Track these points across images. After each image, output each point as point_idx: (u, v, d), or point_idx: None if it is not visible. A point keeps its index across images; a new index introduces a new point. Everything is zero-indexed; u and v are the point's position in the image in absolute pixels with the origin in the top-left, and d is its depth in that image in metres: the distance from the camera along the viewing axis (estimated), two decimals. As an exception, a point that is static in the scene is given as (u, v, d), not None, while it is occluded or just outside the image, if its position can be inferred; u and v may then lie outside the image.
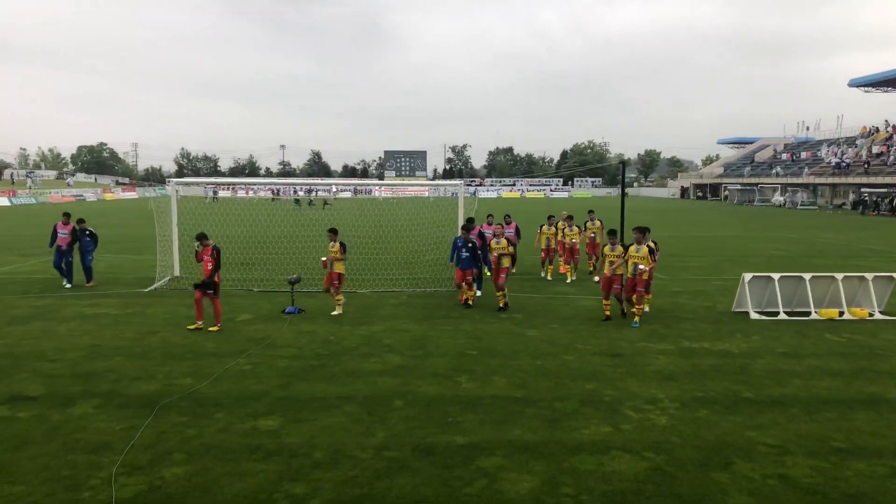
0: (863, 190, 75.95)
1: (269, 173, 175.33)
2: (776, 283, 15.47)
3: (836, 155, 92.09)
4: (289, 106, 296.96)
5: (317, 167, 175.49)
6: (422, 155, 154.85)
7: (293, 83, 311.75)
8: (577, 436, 8.24)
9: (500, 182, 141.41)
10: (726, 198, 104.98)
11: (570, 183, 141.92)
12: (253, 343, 12.73)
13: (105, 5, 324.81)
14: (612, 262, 14.61)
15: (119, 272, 22.22)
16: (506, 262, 15.91)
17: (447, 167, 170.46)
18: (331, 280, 15.29)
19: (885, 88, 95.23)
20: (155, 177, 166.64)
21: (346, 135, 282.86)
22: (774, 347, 12.63)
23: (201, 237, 14.02)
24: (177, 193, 21.11)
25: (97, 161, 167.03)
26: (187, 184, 34.86)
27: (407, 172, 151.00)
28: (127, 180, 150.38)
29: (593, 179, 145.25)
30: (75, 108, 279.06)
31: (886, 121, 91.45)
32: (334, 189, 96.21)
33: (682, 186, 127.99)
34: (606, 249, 14.90)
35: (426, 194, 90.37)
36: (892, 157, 78.54)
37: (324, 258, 15.37)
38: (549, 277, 20.73)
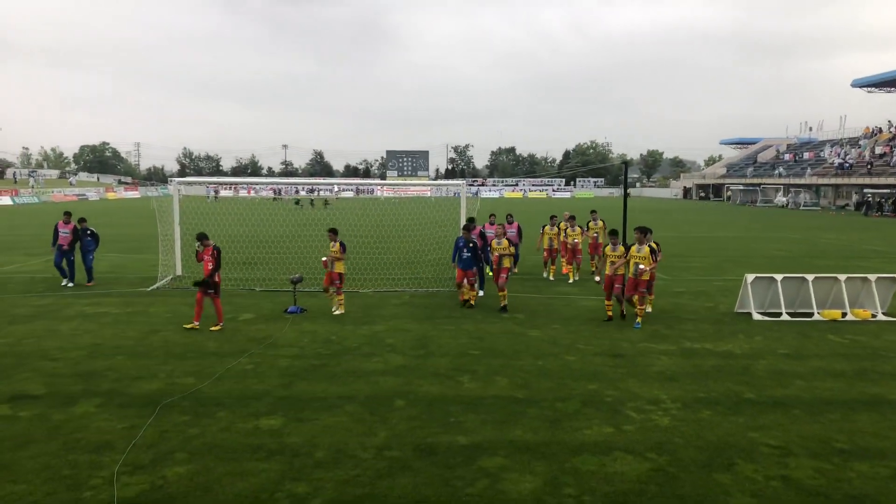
0: (866, 191, 75.86)
1: (271, 173, 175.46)
2: (779, 283, 15.45)
3: (838, 155, 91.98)
4: (291, 106, 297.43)
5: (319, 167, 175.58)
6: (424, 155, 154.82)
7: (295, 83, 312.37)
8: (578, 436, 8.23)
9: (503, 182, 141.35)
10: (729, 198, 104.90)
11: (572, 183, 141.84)
12: (255, 342, 12.73)
13: (107, 5, 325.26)
14: (613, 263, 14.60)
15: (121, 271, 22.25)
16: (506, 263, 15.91)
17: (449, 167, 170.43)
18: (331, 280, 15.29)
19: (889, 89, 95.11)
20: (157, 176, 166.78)
21: (348, 135, 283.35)
22: (777, 348, 12.61)
23: (201, 237, 14.02)
24: (179, 193, 21.13)
25: (99, 160, 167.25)
26: (189, 183, 34.89)
27: (409, 172, 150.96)
28: (129, 180, 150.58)
29: (596, 180, 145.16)
30: (78, 107, 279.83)
31: (889, 121, 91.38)
32: (336, 189, 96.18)
33: (685, 187, 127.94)
34: (608, 249, 14.89)
35: (428, 194, 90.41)
36: (895, 158, 78.39)
37: (324, 258, 15.38)
38: (551, 278, 20.72)
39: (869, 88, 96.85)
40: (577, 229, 20.68)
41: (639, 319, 14.30)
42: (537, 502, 6.56)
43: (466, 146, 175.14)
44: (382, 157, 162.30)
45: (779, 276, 15.60)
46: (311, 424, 8.57)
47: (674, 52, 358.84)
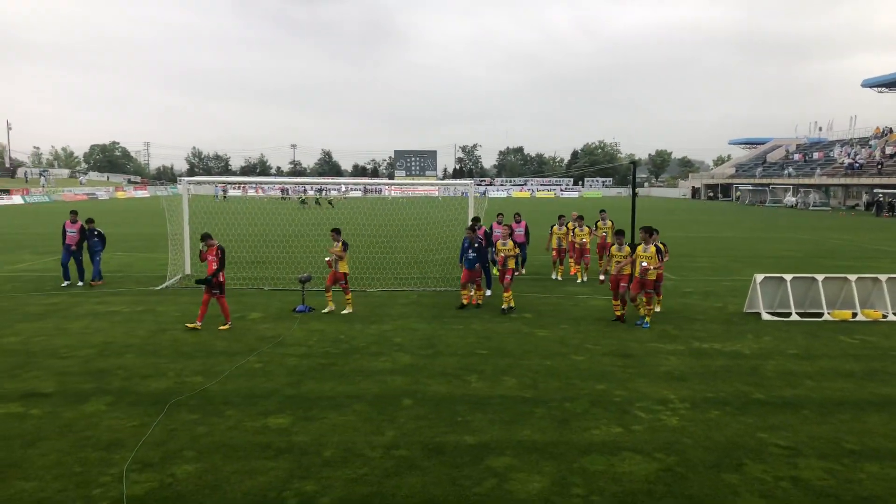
0: (876, 191, 75.39)
1: (280, 172, 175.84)
2: (788, 283, 15.38)
3: (848, 155, 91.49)
4: (300, 105, 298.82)
5: (327, 167, 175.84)
6: (432, 154, 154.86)
7: (304, 83, 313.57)
8: (587, 436, 8.21)
9: (511, 182, 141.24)
10: (738, 198, 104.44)
11: (580, 183, 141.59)
12: (263, 341, 12.76)
13: (118, 5, 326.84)
14: (618, 262, 14.57)
15: (130, 270, 22.35)
16: (511, 264, 15.85)
17: (457, 167, 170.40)
18: (335, 279, 15.30)
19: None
20: (166, 175, 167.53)
21: (356, 134, 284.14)
22: (786, 348, 12.55)
23: (206, 237, 14.05)
24: (188, 192, 21.20)
25: (109, 160, 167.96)
26: (199, 182, 35.00)
27: (417, 172, 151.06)
28: (139, 179, 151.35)
29: (604, 179, 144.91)
30: (88, 106, 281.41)
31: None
32: (343, 188, 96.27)
33: (693, 187, 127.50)
34: (614, 249, 14.85)
35: (436, 194, 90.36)
36: (905, 158, 77.89)
37: (328, 258, 15.40)
38: (559, 277, 20.68)
39: (879, 88, 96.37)
40: (586, 229, 20.63)
41: (647, 319, 14.26)
42: (545, 502, 6.55)
43: (474, 146, 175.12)
44: (391, 157, 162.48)
45: (788, 276, 15.53)
46: (320, 423, 8.58)
47: (683, 51, 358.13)
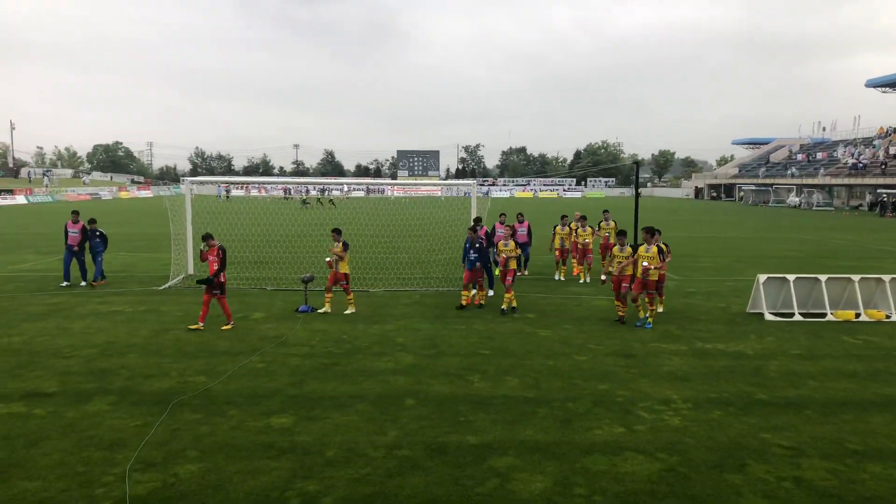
0: (879, 191, 75.22)
1: (282, 172, 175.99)
2: (791, 284, 15.35)
3: (852, 155, 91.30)
4: (302, 106, 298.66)
5: (330, 167, 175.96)
6: (434, 155, 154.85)
7: (306, 83, 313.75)
8: (589, 436, 8.21)
9: (513, 182, 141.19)
10: (741, 198, 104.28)
11: (583, 183, 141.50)
12: (266, 341, 12.77)
13: (121, 5, 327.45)
14: (620, 263, 14.54)
15: (133, 270, 22.39)
16: (512, 265, 15.81)
17: (460, 167, 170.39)
18: (336, 279, 15.30)
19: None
20: (169, 175, 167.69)
21: (359, 134, 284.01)
22: (789, 349, 12.53)
23: (207, 237, 14.06)
24: (191, 192, 21.23)
25: (112, 160, 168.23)
26: (202, 182, 35.04)
27: (420, 172, 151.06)
28: (142, 179, 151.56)
29: (607, 179, 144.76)
30: (91, 107, 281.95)
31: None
32: (346, 188, 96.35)
33: (697, 187, 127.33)
34: (615, 250, 14.83)
35: (438, 194, 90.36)
36: (909, 158, 77.73)
37: (328, 258, 15.40)
38: (562, 278, 20.66)
39: (883, 88, 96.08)
40: (588, 229, 20.61)
41: (650, 320, 14.25)
42: (548, 502, 6.55)
43: (477, 146, 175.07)
44: (393, 157, 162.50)
45: (791, 277, 15.50)
46: (322, 423, 8.59)
47: (685, 51, 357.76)
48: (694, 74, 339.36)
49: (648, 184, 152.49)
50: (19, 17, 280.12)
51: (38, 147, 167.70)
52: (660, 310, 15.30)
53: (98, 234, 19.56)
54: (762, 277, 15.46)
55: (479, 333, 13.53)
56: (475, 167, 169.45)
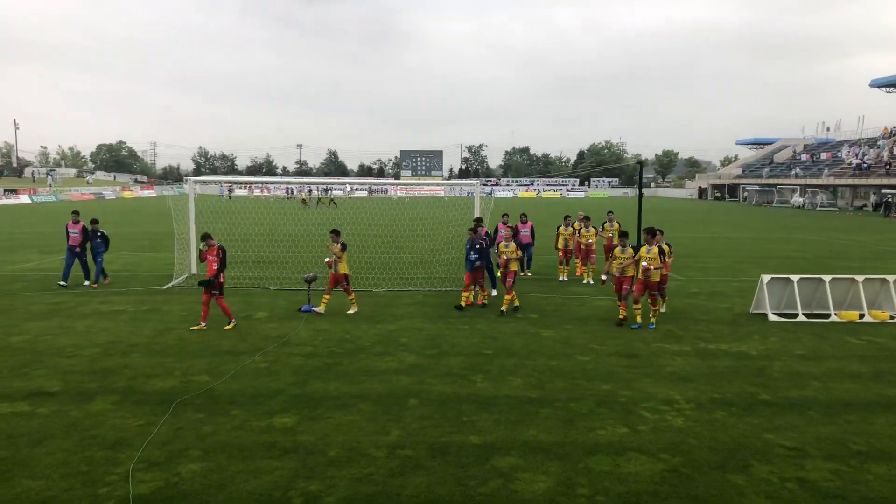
0: (884, 191, 75.03)
1: (285, 172, 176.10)
2: (795, 284, 15.32)
3: (856, 156, 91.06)
4: (306, 105, 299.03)
5: (333, 166, 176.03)
6: (438, 154, 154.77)
7: (310, 83, 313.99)
8: (592, 436, 8.20)
9: (517, 182, 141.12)
10: (745, 199, 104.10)
11: (586, 183, 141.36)
12: (269, 341, 12.78)
13: (124, 5, 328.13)
14: (621, 264, 14.50)
15: (136, 269, 22.42)
16: (513, 266, 15.76)
17: (463, 167, 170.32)
18: (336, 280, 15.29)
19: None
20: (173, 175, 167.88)
21: (362, 134, 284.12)
22: (793, 349, 12.50)
23: (206, 237, 14.06)
24: (194, 192, 21.25)
25: (116, 159, 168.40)
26: (205, 182, 35.07)
27: (423, 172, 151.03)
28: (145, 178, 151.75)
29: (610, 180, 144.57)
30: (95, 106, 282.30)
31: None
32: (349, 188, 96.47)
33: (700, 187, 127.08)
34: (617, 251, 14.80)
35: (441, 194, 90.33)
36: (913, 158, 77.51)
37: (327, 259, 15.40)
38: (565, 278, 20.63)
39: (888, 89, 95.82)
40: (592, 230, 20.58)
41: (652, 320, 14.23)
42: (550, 502, 6.54)
43: (480, 146, 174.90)
44: (396, 157, 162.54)
45: (795, 277, 15.47)
46: (325, 423, 8.59)
47: (689, 51, 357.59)
48: (698, 74, 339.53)
49: (652, 184, 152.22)
50: (24, 18, 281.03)
51: (41, 147, 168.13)
52: (662, 310, 15.27)
53: (99, 234, 19.47)
54: (766, 278, 15.43)
55: (481, 333, 13.52)
56: (478, 167, 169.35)
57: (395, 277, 20.44)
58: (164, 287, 18.72)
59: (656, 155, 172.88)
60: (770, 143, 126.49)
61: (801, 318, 15.00)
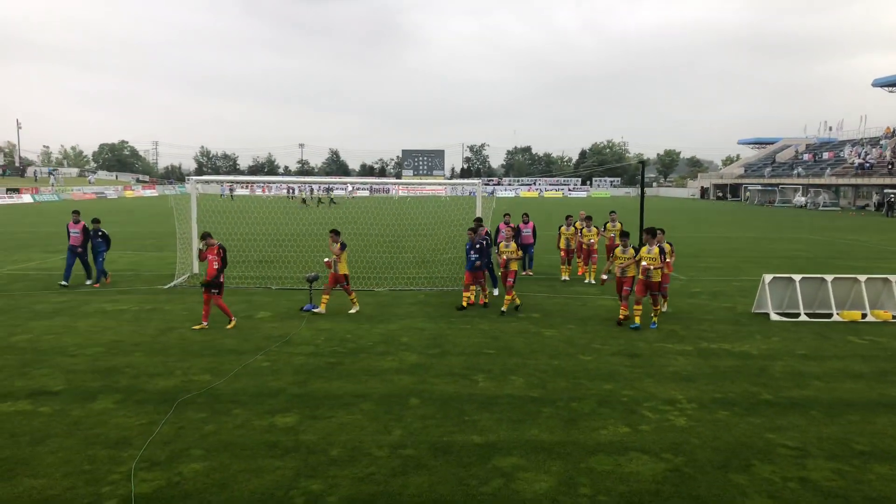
0: (887, 191, 74.87)
1: (287, 172, 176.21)
2: (797, 284, 15.30)
3: (859, 155, 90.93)
4: (307, 105, 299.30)
5: (335, 166, 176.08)
6: (440, 154, 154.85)
7: (312, 82, 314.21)
8: (594, 436, 8.19)
9: (519, 181, 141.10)
10: (747, 198, 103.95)
11: (588, 183, 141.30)
12: (271, 340, 12.79)
13: (126, 4, 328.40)
14: (621, 264, 14.48)
15: (139, 269, 22.43)
16: (513, 266, 15.74)
17: (465, 166, 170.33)
18: (336, 280, 15.29)
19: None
20: (175, 174, 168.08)
21: (364, 134, 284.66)
22: (795, 349, 12.49)
23: (205, 236, 14.06)
24: (196, 191, 21.25)
25: (118, 159, 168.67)
26: (207, 181, 35.11)
27: (425, 171, 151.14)
28: (147, 178, 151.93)
29: (612, 179, 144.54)
30: (97, 106, 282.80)
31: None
32: (350, 188, 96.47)
33: (702, 187, 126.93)
34: (618, 251, 14.78)
35: (441, 193, 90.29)
36: (916, 158, 77.35)
37: (327, 259, 15.40)
38: (567, 278, 20.62)
39: (890, 88, 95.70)
40: (594, 229, 20.57)
41: (654, 319, 14.22)
42: (552, 502, 6.54)
43: (482, 145, 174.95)
44: (398, 157, 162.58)
45: (797, 277, 15.45)
46: (327, 422, 8.59)
47: (691, 50, 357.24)
48: (700, 74, 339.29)
49: (654, 183, 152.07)
50: (26, 17, 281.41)
51: (44, 146, 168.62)
52: (664, 310, 15.25)
53: (100, 234, 19.43)
54: (768, 277, 15.41)
55: (483, 333, 13.52)
56: (480, 166, 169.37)
57: (397, 277, 20.45)
58: (167, 286, 18.74)
59: (658, 154, 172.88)
60: (772, 143, 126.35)
61: (804, 317, 14.99)
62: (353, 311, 15.36)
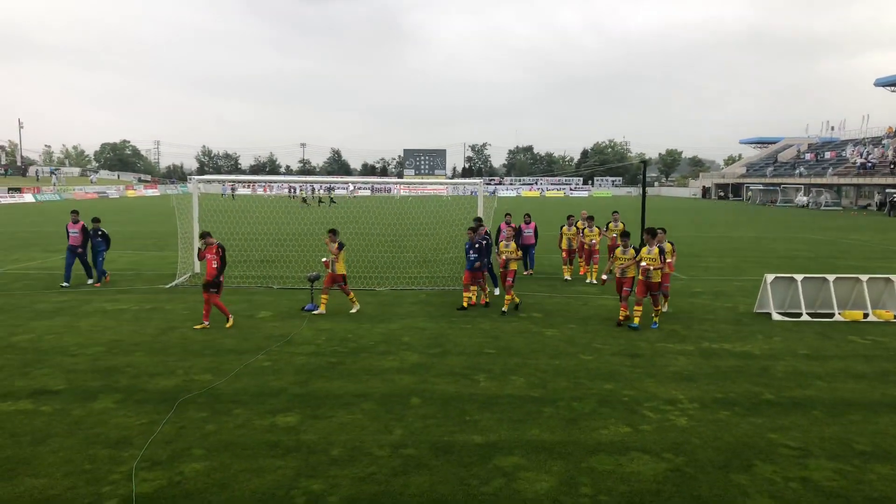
0: (888, 191, 74.77)
1: (289, 171, 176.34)
2: (799, 283, 15.28)
3: (861, 155, 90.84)
4: (309, 104, 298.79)
5: (336, 165, 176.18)
6: (441, 153, 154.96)
7: (313, 82, 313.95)
8: (595, 436, 8.18)
9: (520, 181, 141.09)
10: (749, 198, 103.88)
11: (590, 182, 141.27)
12: (272, 340, 12.79)
13: (127, 4, 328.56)
14: (622, 264, 14.45)
15: (140, 268, 22.44)
16: (513, 266, 15.71)
17: (467, 166, 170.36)
18: (333, 281, 15.27)
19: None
20: (176, 174, 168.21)
21: (366, 133, 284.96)
22: (796, 349, 12.47)
23: (204, 235, 14.05)
24: (198, 191, 21.26)
25: (120, 158, 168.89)
26: (209, 181, 35.13)
27: (426, 171, 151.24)
28: (149, 177, 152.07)
29: (613, 179, 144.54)
30: (99, 105, 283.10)
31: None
32: (352, 187, 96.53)
33: (704, 186, 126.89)
34: (618, 251, 14.76)
35: (443, 193, 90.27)
36: (918, 157, 77.24)
37: (325, 259, 15.38)
38: (569, 278, 20.60)
39: (892, 88, 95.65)
40: (595, 229, 20.55)
41: (655, 319, 14.20)
42: (553, 502, 6.53)
43: (484, 145, 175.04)
44: (400, 156, 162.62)
45: (799, 276, 15.43)
46: (328, 422, 8.59)
47: (693, 50, 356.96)
48: (701, 73, 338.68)
49: (656, 183, 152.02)
50: (28, 17, 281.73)
51: (45, 146, 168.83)
52: (665, 309, 15.24)
53: (100, 233, 19.40)
54: (770, 277, 15.39)
55: (484, 333, 13.52)
56: (482, 166, 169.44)
57: (398, 277, 20.44)
58: (168, 286, 18.75)
59: (660, 154, 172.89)
60: (774, 143, 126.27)
61: (805, 317, 14.97)
62: (353, 310, 15.36)
